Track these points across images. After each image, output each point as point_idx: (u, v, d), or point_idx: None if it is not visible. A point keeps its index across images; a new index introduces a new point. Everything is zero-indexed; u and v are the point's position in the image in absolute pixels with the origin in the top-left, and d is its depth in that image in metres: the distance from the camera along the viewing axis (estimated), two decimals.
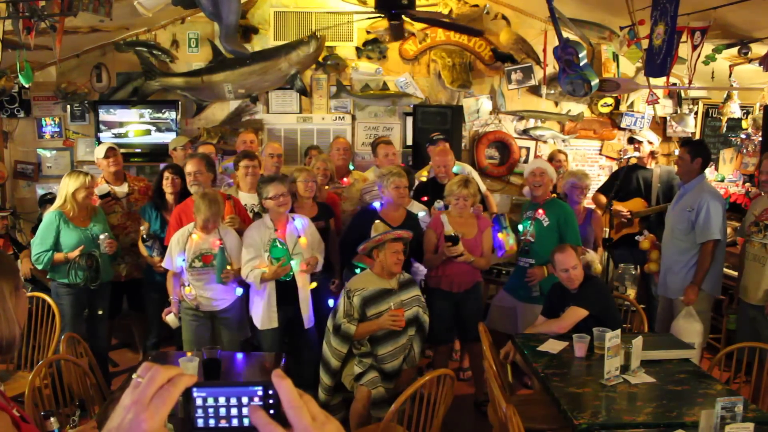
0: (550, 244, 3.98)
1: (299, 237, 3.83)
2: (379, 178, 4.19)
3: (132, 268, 4.56)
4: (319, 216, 4.19)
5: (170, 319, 3.78)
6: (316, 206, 4.24)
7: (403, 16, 4.77)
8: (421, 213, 4.34)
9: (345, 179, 5.05)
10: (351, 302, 3.46)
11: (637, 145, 5.31)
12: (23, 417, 1.35)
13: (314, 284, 3.94)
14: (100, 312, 4.21)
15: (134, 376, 0.73)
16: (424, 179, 4.86)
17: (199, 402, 0.73)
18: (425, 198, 4.54)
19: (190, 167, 4.20)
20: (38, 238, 4.00)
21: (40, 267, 4.01)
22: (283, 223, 3.81)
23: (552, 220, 4.17)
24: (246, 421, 0.73)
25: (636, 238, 4.62)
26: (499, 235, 4.24)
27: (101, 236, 4.09)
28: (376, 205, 4.20)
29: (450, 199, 4.05)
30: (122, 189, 4.62)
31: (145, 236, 4.22)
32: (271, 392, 0.73)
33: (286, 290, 3.80)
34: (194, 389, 0.73)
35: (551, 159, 5.48)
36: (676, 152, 6.27)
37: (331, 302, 4.18)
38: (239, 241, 3.88)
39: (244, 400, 0.73)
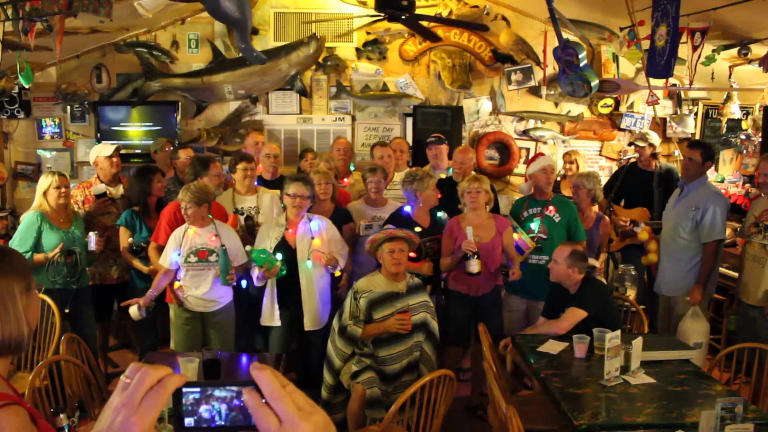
0: (562, 240, 4.08)
1: (312, 238, 3.81)
2: (407, 184, 4.14)
3: (123, 270, 4.52)
4: (331, 219, 4.17)
5: (132, 311, 3.73)
6: (332, 208, 4.25)
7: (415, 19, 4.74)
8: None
9: (345, 179, 5.05)
10: (357, 304, 3.44)
11: (637, 148, 5.31)
12: (35, 414, 1.36)
13: (338, 272, 3.94)
14: (67, 311, 4.05)
15: (122, 377, 0.72)
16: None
17: (189, 402, 0.73)
18: (439, 195, 4.55)
19: (216, 170, 4.20)
20: (17, 239, 3.92)
21: None
22: (296, 223, 3.81)
23: (563, 217, 4.19)
24: (236, 420, 0.72)
25: (634, 229, 4.63)
26: (515, 236, 4.17)
27: (91, 234, 4.06)
28: (408, 209, 4.18)
29: (464, 196, 4.00)
30: (117, 191, 4.60)
31: (135, 248, 4.16)
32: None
33: (289, 290, 3.80)
34: (184, 389, 0.72)
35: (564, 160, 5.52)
36: (676, 153, 6.30)
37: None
38: (237, 238, 3.89)
39: (234, 399, 0.73)
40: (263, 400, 0.70)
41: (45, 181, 3.98)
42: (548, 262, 4.09)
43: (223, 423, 0.72)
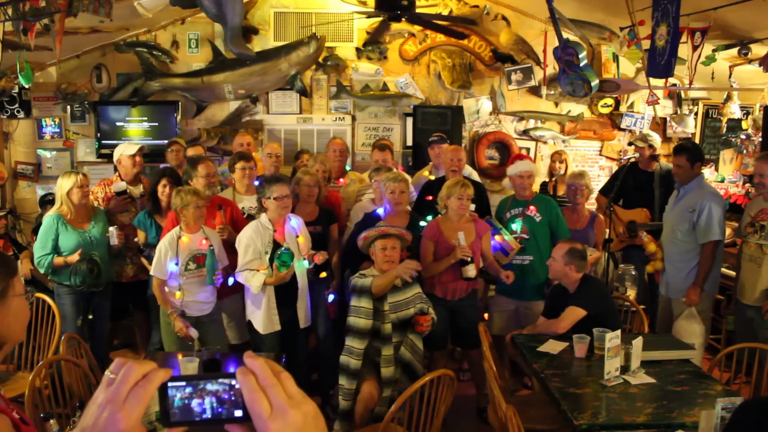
0: (545, 239, 4.16)
1: (297, 236, 3.83)
2: (381, 183, 4.16)
3: (139, 269, 4.53)
4: (318, 220, 4.17)
5: (193, 333, 3.66)
6: (317, 210, 4.23)
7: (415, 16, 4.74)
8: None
9: (341, 180, 5.05)
10: (364, 279, 3.49)
11: (637, 148, 5.31)
12: (23, 419, 1.33)
13: (324, 273, 3.93)
14: (90, 317, 4.15)
15: (107, 372, 0.72)
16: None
17: (174, 396, 0.72)
18: (430, 197, 4.52)
19: (205, 170, 4.16)
20: (39, 242, 4.00)
21: (42, 271, 4.01)
22: (282, 224, 3.80)
23: (544, 216, 4.21)
24: (222, 413, 0.73)
25: (642, 237, 4.62)
26: (497, 237, 4.16)
27: (111, 228, 4.12)
28: (380, 211, 4.17)
29: (451, 201, 3.93)
30: (138, 190, 4.62)
31: (142, 247, 4.20)
32: None
33: (286, 292, 3.79)
34: (169, 384, 0.72)
35: (552, 160, 5.53)
36: None
37: (330, 297, 4.22)
38: (219, 240, 3.88)
39: (220, 392, 0.72)
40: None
41: (67, 182, 4.00)
42: (532, 261, 4.16)
43: (210, 416, 0.72)
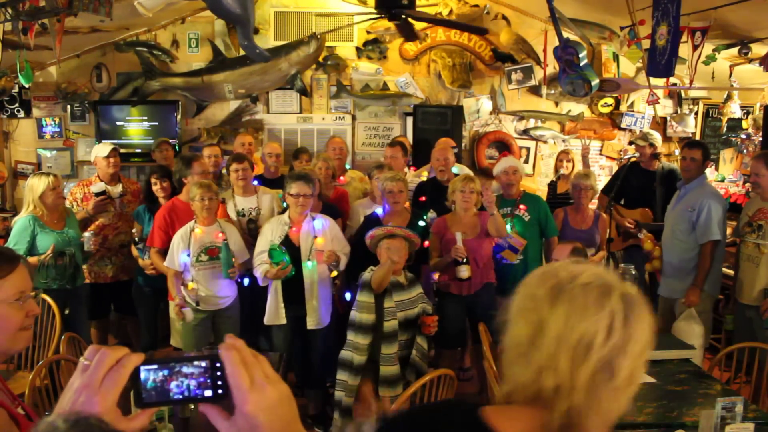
0: (534, 239, 4.18)
1: (315, 237, 3.80)
2: (379, 182, 4.17)
3: (119, 269, 4.52)
4: None
5: (187, 313, 3.70)
6: (320, 206, 4.22)
7: (408, 18, 4.73)
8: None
9: (341, 178, 5.06)
10: (369, 273, 3.50)
11: (638, 147, 5.30)
12: (28, 415, 1.33)
13: (335, 273, 3.94)
14: (67, 312, 4.01)
15: (82, 359, 0.75)
16: (423, 179, 4.85)
17: (147, 378, 0.75)
18: (423, 198, 4.51)
19: (199, 168, 4.18)
20: (11, 243, 3.88)
21: None
22: (300, 222, 3.81)
23: (533, 215, 4.22)
24: (196, 394, 0.75)
25: (639, 235, 4.62)
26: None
27: (86, 234, 4.07)
28: (379, 211, 4.17)
29: (456, 195, 3.96)
30: (116, 189, 4.59)
31: (137, 239, 4.20)
32: (218, 365, 0.76)
33: (293, 289, 3.79)
34: (142, 367, 0.75)
35: (559, 159, 5.54)
36: (677, 152, 6.30)
37: (348, 296, 4.20)
38: (239, 235, 3.91)
39: (195, 374, 0.76)
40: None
41: (40, 183, 3.92)
42: (523, 261, 4.16)
43: (183, 397, 0.75)
